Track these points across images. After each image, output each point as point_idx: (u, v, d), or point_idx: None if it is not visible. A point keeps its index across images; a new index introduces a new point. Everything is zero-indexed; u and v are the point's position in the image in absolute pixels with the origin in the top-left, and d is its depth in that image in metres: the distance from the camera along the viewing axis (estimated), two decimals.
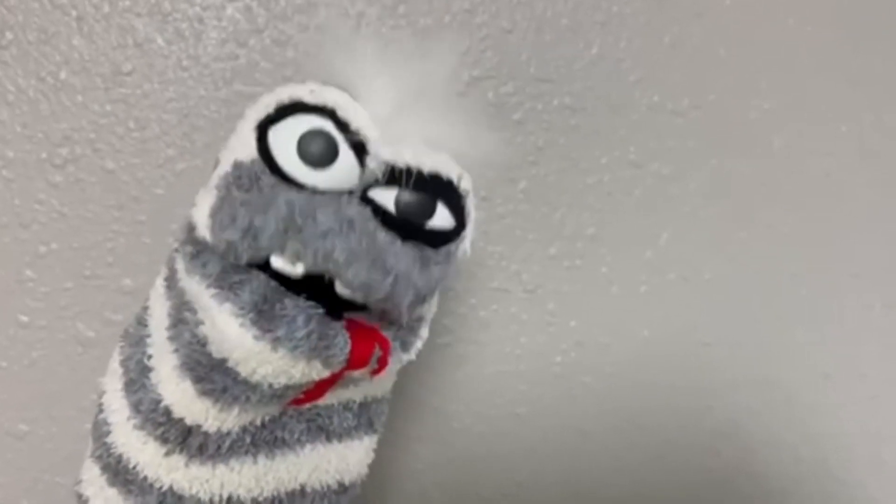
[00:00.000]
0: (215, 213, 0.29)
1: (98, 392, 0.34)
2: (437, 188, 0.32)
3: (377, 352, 0.31)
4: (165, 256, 0.46)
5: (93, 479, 0.33)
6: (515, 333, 0.51)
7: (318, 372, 0.29)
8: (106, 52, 0.45)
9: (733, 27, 0.51)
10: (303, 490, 0.35)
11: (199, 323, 0.29)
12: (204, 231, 0.30)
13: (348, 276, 0.28)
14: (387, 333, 0.32)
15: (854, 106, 0.54)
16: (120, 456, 0.32)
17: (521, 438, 0.52)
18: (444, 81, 0.33)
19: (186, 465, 0.31)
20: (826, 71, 0.53)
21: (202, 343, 0.29)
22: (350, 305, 0.30)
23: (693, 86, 0.51)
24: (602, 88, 0.50)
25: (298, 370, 0.29)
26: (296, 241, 0.28)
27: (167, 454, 0.31)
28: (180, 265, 0.31)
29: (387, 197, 0.31)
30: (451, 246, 0.33)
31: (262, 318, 0.28)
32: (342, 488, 0.36)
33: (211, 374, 0.29)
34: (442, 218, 0.32)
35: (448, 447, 0.51)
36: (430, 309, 0.35)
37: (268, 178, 0.30)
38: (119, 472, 0.32)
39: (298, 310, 0.28)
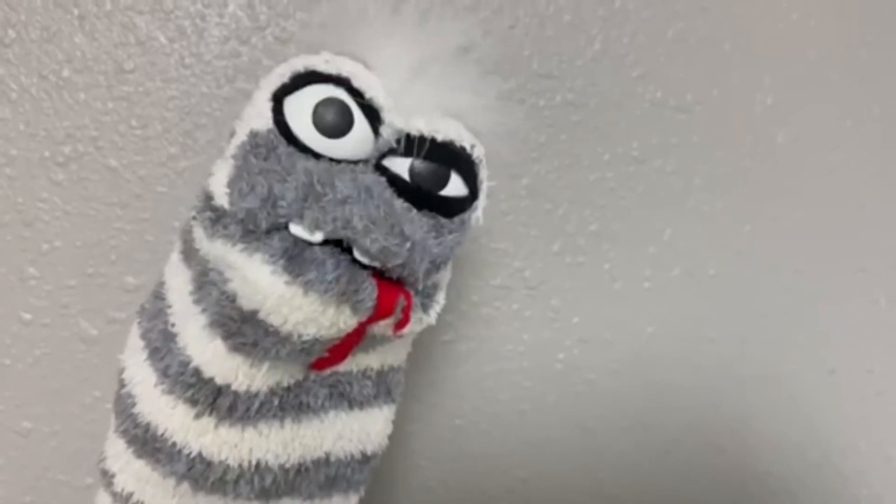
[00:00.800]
0: (234, 182, 0.29)
1: (118, 370, 0.34)
2: (451, 156, 0.32)
3: (402, 301, 0.31)
4: (168, 254, 0.46)
5: (118, 453, 0.33)
6: (518, 330, 0.51)
7: (346, 319, 0.29)
8: (108, 50, 0.45)
9: (737, 22, 0.51)
10: (328, 458, 0.35)
11: (227, 280, 0.29)
12: (222, 200, 0.30)
13: (366, 243, 0.28)
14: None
15: (859, 100, 0.54)
16: (147, 425, 0.32)
17: (524, 435, 0.52)
18: (456, 50, 0.33)
19: (216, 427, 0.31)
20: (831, 65, 0.53)
21: (231, 298, 0.29)
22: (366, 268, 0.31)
23: (696, 81, 0.51)
24: (605, 84, 0.50)
25: (328, 316, 0.29)
26: (315, 209, 0.28)
27: (197, 416, 0.31)
28: (198, 233, 0.31)
29: (401, 166, 0.32)
30: (465, 215, 0.33)
31: (293, 262, 0.28)
32: (364, 458, 0.36)
33: (242, 328, 0.29)
34: (455, 186, 0.33)
35: (451, 444, 0.51)
36: (446, 276, 0.36)
37: (284, 148, 0.30)
38: (147, 442, 0.32)
39: (327, 254, 0.28)
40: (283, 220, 0.28)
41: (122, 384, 0.34)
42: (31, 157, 0.45)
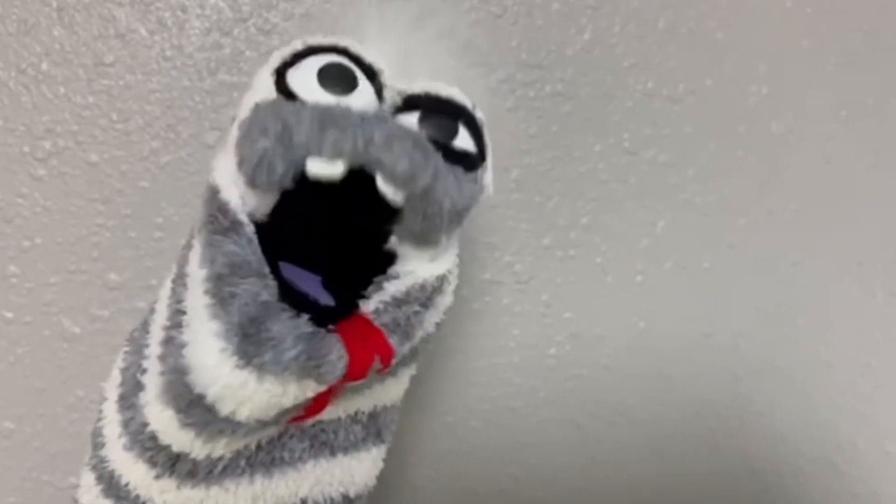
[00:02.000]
0: (244, 137, 0.28)
1: (100, 398, 0.33)
2: (455, 111, 0.32)
3: (377, 363, 0.29)
4: (154, 249, 0.45)
5: (88, 486, 0.32)
6: (509, 325, 0.50)
7: (313, 388, 0.28)
8: (87, 43, 0.44)
9: (730, 10, 0.50)
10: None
11: (184, 345, 0.27)
12: (228, 188, 0.29)
13: (392, 160, 0.27)
14: (393, 339, 0.30)
15: (855, 90, 0.53)
16: (112, 472, 0.31)
17: (515, 432, 0.51)
18: (444, 33, 0.35)
19: (178, 487, 0.30)
20: (826, 54, 0.52)
21: (184, 372, 0.27)
22: (380, 252, 0.30)
23: (689, 71, 0.50)
24: (595, 74, 0.49)
25: (289, 395, 0.27)
26: (334, 130, 0.27)
27: (157, 477, 0.30)
28: (195, 252, 0.29)
29: (410, 121, 0.31)
30: (477, 173, 0.33)
31: (248, 341, 0.26)
32: (347, 500, 0.35)
33: (190, 407, 0.27)
34: (464, 140, 0.32)
35: (441, 441, 0.51)
36: (445, 301, 0.35)
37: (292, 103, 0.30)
38: (112, 487, 0.31)
39: (285, 331, 0.26)
40: (300, 155, 0.27)
41: (99, 415, 0.33)
42: (10, 153, 0.44)
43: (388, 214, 0.29)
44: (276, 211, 0.30)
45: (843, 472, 0.55)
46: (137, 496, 0.30)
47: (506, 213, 0.49)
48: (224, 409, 0.26)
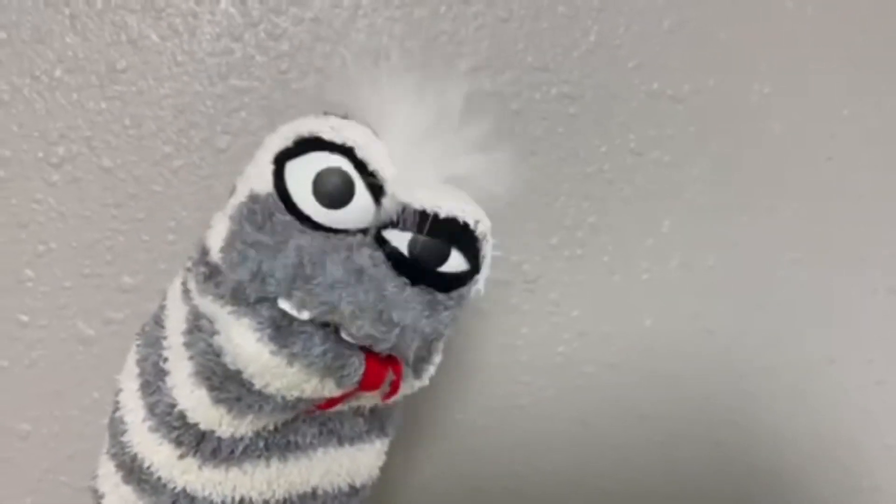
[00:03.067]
0: (227, 248, 0.29)
1: (115, 390, 0.35)
2: (452, 232, 0.31)
3: (390, 376, 0.31)
4: (167, 252, 0.46)
5: (108, 475, 0.34)
6: (517, 324, 0.51)
7: (331, 389, 0.30)
8: (100, 50, 0.45)
9: (733, 10, 0.51)
10: (314, 492, 0.35)
11: (214, 332, 0.29)
12: (216, 258, 0.30)
13: (353, 329, 0.28)
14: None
15: (856, 89, 0.53)
16: (135, 455, 0.32)
17: (523, 430, 0.52)
18: (458, 112, 0.32)
19: (200, 467, 0.32)
20: (827, 53, 0.52)
21: (217, 353, 0.29)
22: None
23: (693, 71, 0.51)
24: (600, 76, 0.49)
25: (311, 386, 0.29)
26: (303, 291, 0.28)
27: (181, 457, 0.31)
28: (192, 285, 0.31)
29: (401, 239, 0.31)
30: (464, 289, 0.33)
31: (280, 333, 0.28)
32: (353, 490, 0.37)
33: (225, 383, 0.29)
34: (455, 263, 0.32)
35: (450, 439, 0.51)
36: (444, 335, 0.35)
37: (281, 216, 0.30)
38: (133, 471, 0.32)
39: (316, 328, 0.28)
40: (271, 296, 0.28)
41: (116, 407, 0.34)
42: (25, 159, 0.45)
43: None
44: None
45: (845, 466, 0.56)
46: (159, 478, 0.32)
47: (513, 214, 0.50)
48: (258, 384, 0.29)
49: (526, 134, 0.49)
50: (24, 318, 0.46)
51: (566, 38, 0.49)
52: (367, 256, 0.29)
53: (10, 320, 0.46)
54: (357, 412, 0.36)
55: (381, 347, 0.29)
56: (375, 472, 0.38)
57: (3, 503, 0.47)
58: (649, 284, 0.52)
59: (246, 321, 0.28)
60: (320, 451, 0.35)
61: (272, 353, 0.28)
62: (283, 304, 0.28)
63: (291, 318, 0.28)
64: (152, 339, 0.34)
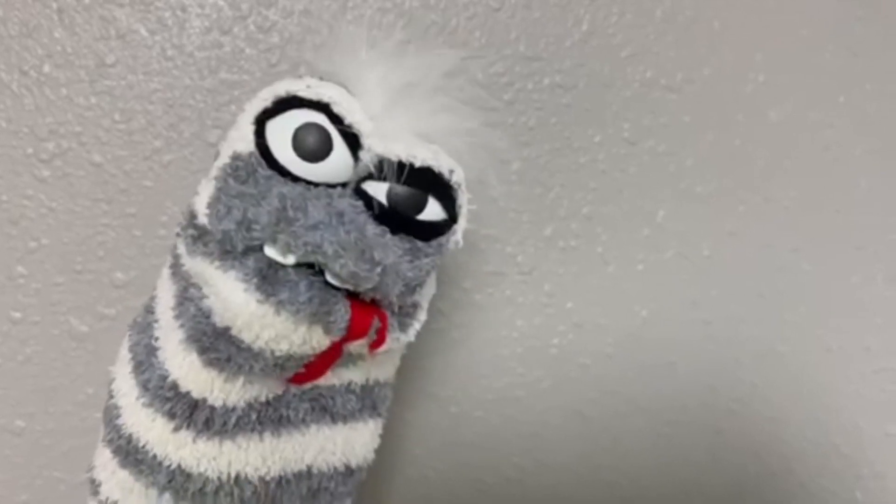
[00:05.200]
0: (213, 204, 0.30)
1: (108, 381, 0.35)
2: (429, 181, 0.33)
3: (376, 323, 0.32)
4: (159, 247, 0.46)
5: (104, 463, 0.34)
6: (511, 316, 0.51)
7: (319, 338, 0.30)
8: (89, 44, 0.44)
9: None
10: (309, 471, 0.36)
11: (203, 297, 0.30)
12: (204, 219, 0.31)
13: (336, 268, 0.29)
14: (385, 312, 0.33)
15: (853, 76, 0.53)
16: (130, 436, 0.33)
17: (519, 422, 0.52)
18: (437, 75, 0.34)
19: (194, 440, 0.32)
20: (823, 41, 0.52)
21: (206, 315, 0.30)
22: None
23: (687, 60, 0.50)
24: (593, 65, 0.49)
25: (300, 335, 0.29)
26: (287, 233, 0.29)
27: (175, 429, 0.32)
28: (182, 249, 0.32)
29: (379, 190, 0.32)
30: (443, 238, 0.34)
31: (266, 282, 0.29)
32: (348, 471, 0.37)
33: (215, 343, 0.30)
34: (433, 211, 0.33)
35: (446, 432, 0.51)
36: (428, 293, 0.36)
37: (264, 171, 0.31)
38: (129, 453, 0.33)
39: (301, 276, 0.29)
40: (257, 243, 0.29)
41: (110, 395, 0.35)
42: (15, 155, 0.45)
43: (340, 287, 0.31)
44: None
45: (845, 455, 0.55)
46: (154, 455, 0.32)
47: (507, 205, 0.49)
48: (247, 337, 0.29)
49: (519, 124, 0.49)
50: (17, 314, 0.46)
51: (559, 27, 0.48)
52: (348, 203, 0.31)
53: (2, 317, 0.46)
54: (349, 388, 0.36)
55: (365, 287, 0.30)
56: (370, 455, 0.39)
57: None
58: (645, 275, 0.52)
59: (233, 273, 0.29)
60: (313, 427, 0.35)
61: (259, 301, 0.28)
62: (269, 251, 0.29)
63: (277, 268, 0.29)
64: (143, 325, 0.35)
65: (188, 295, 0.31)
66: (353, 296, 0.31)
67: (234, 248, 0.29)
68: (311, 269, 0.30)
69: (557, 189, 0.50)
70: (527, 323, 0.51)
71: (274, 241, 0.29)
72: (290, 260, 0.29)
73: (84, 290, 0.46)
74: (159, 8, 0.45)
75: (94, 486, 0.35)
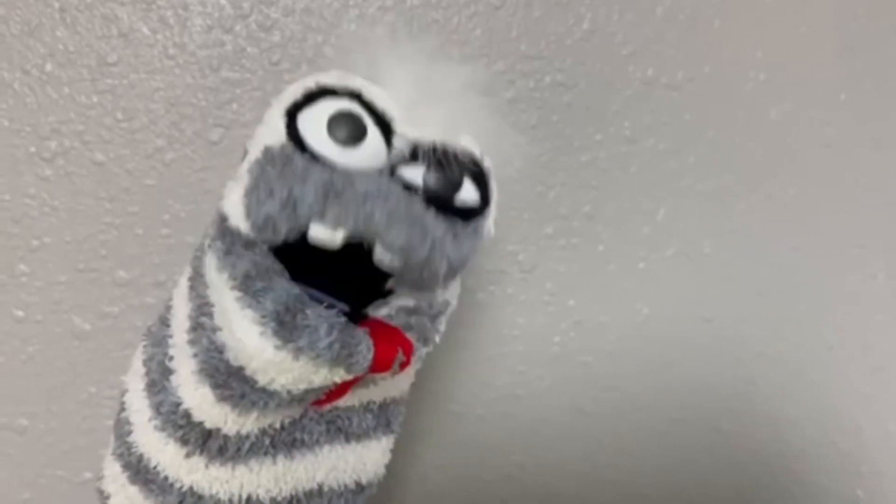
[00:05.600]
0: (251, 191, 0.29)
1: (121, 391, 0.35)
2: (462, 164, 0.33)
3: (400, 357, 0.31)
4: (161, 246, 0.46)
5: (114, 476, 0.34)
6: (513, 314, 0.51)
7: (340, 377, 0.30)
8: (91, 43, 0.44)
9: None
10: (320, 489, 0.35)
11: (217, 329, 0.29)
12: (237, 219, 0.30)
13: (389, 238, 0.28)
14: (409, 335, 0.33)
15: (852, 74, 0.53)
16: (141, 455, 0.32)
17: (520, 420, 0.52)
18: (462, 80, 0.34)
19: (206, 466, 0.32)
20: (823, 39, 0.52)
21: (219, 350, 0.29)
22: (378, 292, 0.31)
23: (687, 58, 0.50)
24: (594, 64, 0.49)
25: (320, 377, 0.29)
26: (336, 206, 0.28)
27: (187, 456, 0.31)
28: (211, 261, 0.31)
29: (415, 174, 0.32)
30: (479, 221, 0.33)
31: (284, 328, 0.28)
32: (359, 488, 0.37)
33: (229, 380, 0.29)
34: (468, 193, 0.33)
35: (448, 430, 0.51)
36: (454, 298, 0.36)
37: (300, 158, 0.30)
38: (140, 471, 0.32)
39: (320, 319, 0.28)
40: (303, 222, 0.28)
41: (122, 407, 0.34)
42: (17, 154, 0.45)
43: (380, 278, 0.30)
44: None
45: (845, 452, 0.56)
46: (166, 477, 0.32)
47: (508, 204, 0.49)
48: (262, 380, 0.29)
49: (520, 123, 0.49)
50: (20, 313, 0.46)
51: (560, 26, 0.48)
52: (390, 180, 0.30)
53: (5, 316, 0.46)
54: (367, 408, 0.36)
55: (416, 259, 0.29)
56: (381, 470, 0.38)
57: (2, 498, 0.47)
58: (646, 273, 0.52)
59: (249, 313, 0.28)
60: (326, 447, 0.35)
61: (277, 347, 0.28)
62: (317, 229, 0.28)
63: (295, 311, 0.28)
64: (158, 338, 0.34)
65: (201, 322, 0.30)
66: (377, 327, 0.31)
67: (277, 236, 0.28)
68: (341, 281, 0.29)
69: (558, 187, 0.50)
70: (528, 321, 0.51)
71: (323, 216, 0.28)
72: (339, 236, 0.28)
73: (86, 289, 0.46)
74: (161, 7, 0.45)
75: (103, 498, 0.34)
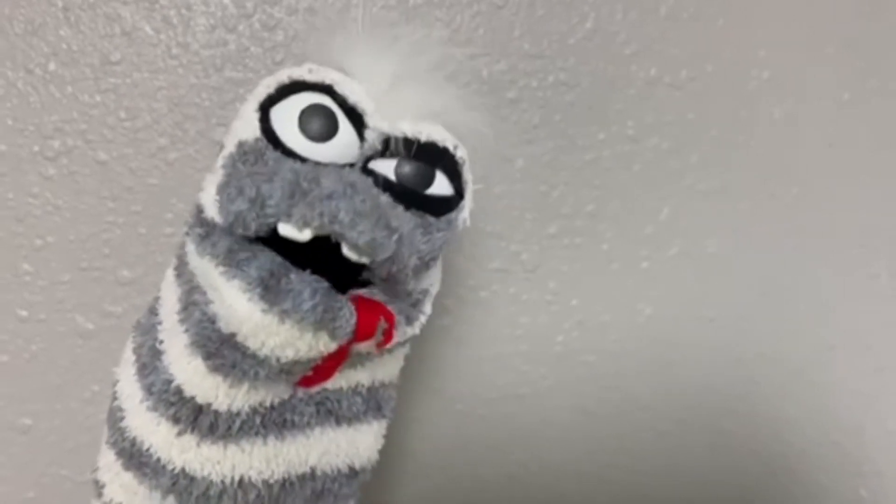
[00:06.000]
0: (223, 188, 0.30)
1: (112, 382, 0.35)
2: (435, 156, 0.33)
3: (382, 324, 0.32)
4: (165, 245, 0.46)
5: (109, 465, 0.34)
6: (516, 314, 0.51)
7: (325, 343, 0.30)
8: (94, 42, 0.44)
9: None
10: (313, 473, 0.35)
11: (209, 302, 0.30)
12: (212, 211, 0.31)
13: (354, 236, 0.28)
14: (391, 308, 0.33)
15: (856, 73, 0.53)
16: (134, 439, 0.33)
17: (523, 419, 0.52)
18: (434, 59, 0.34)
19: (198, 444, 0.32)
20: (826, 38, 0.52)
21: (211, 320, 0.30)
22: (355, 280, 0.31)
23: (690, 57, 0.50)
24: (597, 63, 0.49)
25: (305, 342, 0.29)
26: (302, 205, 0.28)
27: (179, 434, 0.32)
28: (190, 247, 0.32)
29: (386, 167, 0.32)
30: (452, 214, 0.34)
31: (269, 292, 0.28)
32: (352, 472, 0.37)
33: (221, 349, 0.30)
34: (441, 185, 0.33)
35: (450, 429, 0.51)
36: (434, 284, 0.36)
37: (272, 153, 0.31)
38: (133, 456, 0.33)
39: (304, 283, 0.29)
40: (271, 220, 0.29)
41: (114, 397, 0.35)
42: (21, 153, 0.45)
43: (355, 266, 0.30)
44: None
45: (847, 452, 0.56)
46: (158, 459, 0.32)
47: (511, 203, 0.50)
48: (252, 345, 0.29)
49: (523, 122, 0.49)
50: (23, 312, 0.46)
51: (563, 25, 0.48)
52: (358, 176, 0.31)
53: (8, 315, 0.46)
54: (355, 390, 0.36)
55: (382, 256, 0.29)
56: (374, 456, 0.38)
57: (6, 497, 0.48)
58: (649, 272, 0.52)
59: (236, 282, 0.28)
60: (318, 430, 0.35)
61: (263, 311, 0.28)
62: (284, 227, 0.28)
63: (279, 276, 0.29)
64: (147, 327, 0.34)
65: (193, 299, 0.31)
66: (359, 297, 0.31)
67: (247, 231, 0.29)
68: (320, 266, 0.29)
69: (562, 187, 0.50)
70: (531, 320, 0.51)
71: (289, 216, 0.28)
72: (307, 234, 0.28)
73: (90, 288, 0.46)
74: (164, 6, 0.45)
75: (98, 488, 0.35)
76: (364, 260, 0.29)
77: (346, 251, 0.29)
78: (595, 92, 0.49)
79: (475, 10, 0.47)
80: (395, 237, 0.29)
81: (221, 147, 0.34)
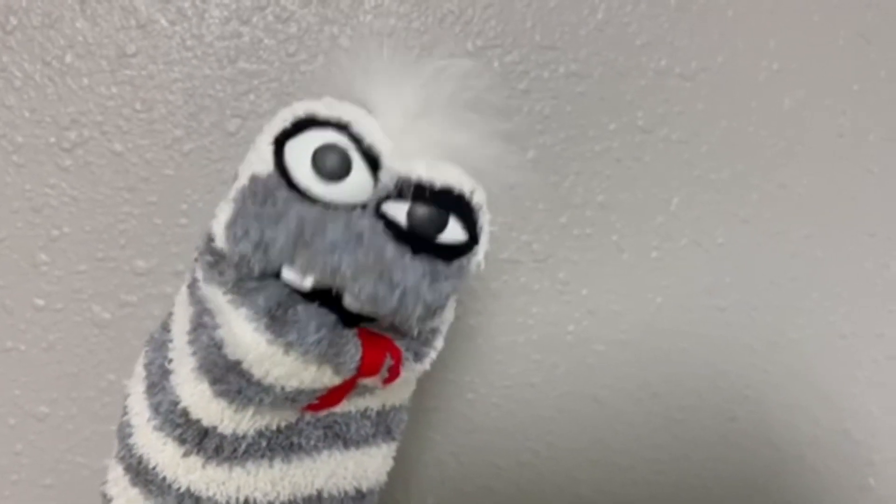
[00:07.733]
0: (230, 225, 0.30)
1: (124, 395, 0.35)
2: (450, 202, 0.32)
3: (388, 361, 0.32)
4: (179, 235, 0.47)
5: (117, 479, 0.34)
6: (527, 303, 0.51)
7: (329, 377, 0.30)
8: (110, 35, 0.45)
9: None
10: (319, 495, 0.36)
11: (217, 327, 0.30)
12: (221, 242, 0.30)
13: (355, 290, 0.28)
14: (400, 344, 0.33)
15: (866, 63, 0.53)
16: (141, 457, 0.33)
17: (535, 408, 0.52)
18: (456, 95, 0.33)
19: (203, 466, 0.32)
20: (836, 28, 0.52)
21: (218, 346, 0.30)
22: (362, 317, 0.31)
23: (701, 48, 0.50)
24: (608, 54, 0.49)
25: (309, 374, 0.29)
26: (304, 255, 0.28)
27: (185, 455, 0.32)
28: (199, 273, 0.32)
29: (399, 210, 0.32)
30: (463, 260, 0.33)
31: (276, 322, 0.28)
32: (359, 495, 0.37)
33: (226, 375, 0.30)
34: (453, 232, 0.32)
35: (463, 417, 0.52)
36: (446, 320, 0.36)
37: (282, 192, 0.30)
38: (140, 473, 0.33)
39: (310, 316, 0.29)
40: (274, 265, 0.29)
41: (124, 411, 0.35)
42: (38, 144, 0.45)
43: (357, 317, 0.30)
44: None
45: (858, 441, 0.56)
46: (164, 478, 0.32)
47: (522, 193, 0.50)
48: (257, 373, 0.29)
49: (534, 113, 0.49)
50: (40, 301, 0.47)
51: (574, 16, 0.49)
52: (367, 224, 0.30)
53: (26, 304, 0.46)
54: (364, 414, 0.36)
55: (384, 310, 0.29)
56: (383, 477, 0.38)
57: (24, 484, 0.48)
58: (659, 262, 0.52)
59: (243, 311, 0.29)
60: (325, 453, 0.35)
61: (269, 341, 0.28)
62: (287, 273, 0.29)
63: (287, 307, 0.29)
64: (159, 343, 0.35)
65: (202, 322, 0.31)
66: (366, 329, 0.31)
67: (251, 272, 0.29)
68: (328, 300, 0.29)
69: (572, 177, 0.50)
70: (542, 310, 0.51)
71: (292, 263, 0.28)
72: (309, 283, 0.29)
73: (106, 278, 0.47)
74: None
75: (106, 501, 0.35)
76: (366, 312, 0.30)
77: (348, 302, 0.29)
78: (606, 83, 0.49)
79: (487, 1, 0.47)
80: (397, 292, 0.29)
81: (236, 176, 0.33)
